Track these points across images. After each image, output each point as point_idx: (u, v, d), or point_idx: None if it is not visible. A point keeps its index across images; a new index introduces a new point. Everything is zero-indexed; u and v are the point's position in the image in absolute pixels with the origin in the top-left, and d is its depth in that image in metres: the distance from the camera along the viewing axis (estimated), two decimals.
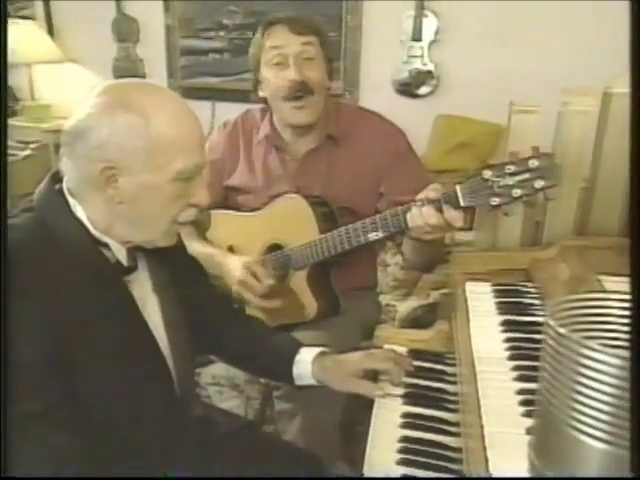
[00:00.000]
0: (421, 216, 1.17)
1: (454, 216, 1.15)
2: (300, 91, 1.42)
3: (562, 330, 0.49)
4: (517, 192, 1.12)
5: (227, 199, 1.62)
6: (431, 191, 1.19)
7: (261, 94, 1.52)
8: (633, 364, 0.43)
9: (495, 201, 1.13)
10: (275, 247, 1.52)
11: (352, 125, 1.52)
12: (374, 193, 1.48)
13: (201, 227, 1.59)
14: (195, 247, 1.45)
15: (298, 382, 1.15)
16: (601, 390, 0.45)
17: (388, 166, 1.48)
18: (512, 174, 1.12)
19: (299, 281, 1.48)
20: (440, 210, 1.16)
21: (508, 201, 1.13)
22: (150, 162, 0.88)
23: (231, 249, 1.58)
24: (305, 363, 1.13)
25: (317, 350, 1.15)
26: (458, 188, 1.16)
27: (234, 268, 1.44)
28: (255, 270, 1.43)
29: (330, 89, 1.54)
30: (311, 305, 1.48)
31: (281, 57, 1.42)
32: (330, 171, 1.51)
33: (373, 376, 1.14)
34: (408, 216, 1.22)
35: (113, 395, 0.91)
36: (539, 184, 1.11)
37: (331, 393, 1.14)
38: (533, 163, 1.11)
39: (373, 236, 1.31)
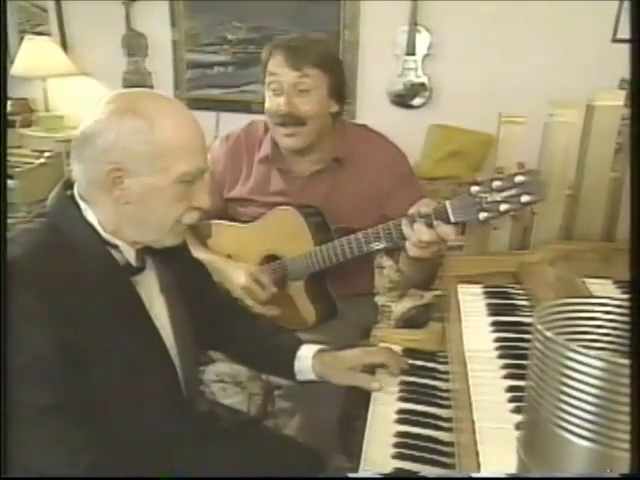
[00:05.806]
0: (413, 233, 1.15)
1: (446, 231, 1.13)
2: (289, 121, 1.38)
3: (548, 333, 0.48)
4: (504, 207, 1.09)
5: (227, 209, 1.58)
6: (423, 206, 1.16)
7: None
8: (633, 365, 0.43)
9: (483, 216, 1.11)
10: (270, 257, 1.49)
11: (357, 147, 1.47)
12: (375, 215, 1.41)
13: (202, 236, 1.56)
14: (196, 254, 1.43)
15: (299, 377, 1.14)
16: (585, 391, 0.45)
17: (391, 189, 1.44)
18: (499, 190, 1.09)
19: (297, 290, 1.46)
20: (431, 226, 1.13)
21: (496, 216, 1.11)
22: (154, 164, 0.89)
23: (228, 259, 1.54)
24: (306, 359, 1.13)
25: (317, 347, 1.15)
26: (448, 204, 1.13)
27: (237, 274, 1.42)
28: (259, 278, 1.41)
29: (340, 113, 1.47)
30: (310, 313, 1.46)
31: (277, 84, 1.38)
32: (332, 192, 1.47)
33: (370, 371, 1.14)
34: (402, 229, 1.19)
35: (121, 391, 0.91)
36: (525, 199, 1.08)
37: (329, 393, 1.13)
38: (519, 179, 1.08)
39: (367, 248, 1.29)
